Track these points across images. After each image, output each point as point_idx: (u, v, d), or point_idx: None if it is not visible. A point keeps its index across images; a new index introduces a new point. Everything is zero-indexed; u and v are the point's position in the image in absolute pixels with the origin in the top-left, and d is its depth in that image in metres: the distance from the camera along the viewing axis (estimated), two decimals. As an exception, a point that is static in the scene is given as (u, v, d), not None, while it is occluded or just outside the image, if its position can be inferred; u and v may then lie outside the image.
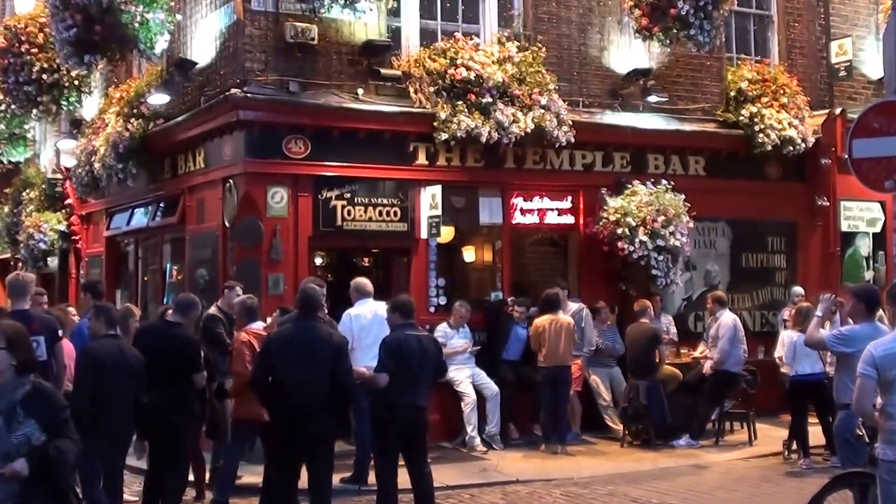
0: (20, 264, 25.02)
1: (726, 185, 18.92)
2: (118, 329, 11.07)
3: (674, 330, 17.98)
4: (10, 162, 26.12)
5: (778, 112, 18.90)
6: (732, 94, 19.26)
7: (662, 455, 15.75)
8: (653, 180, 17.61)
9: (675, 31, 17.25)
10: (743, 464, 15.42)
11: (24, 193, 24.32)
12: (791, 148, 18.91)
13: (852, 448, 10.44)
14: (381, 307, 13.10)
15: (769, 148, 18.75)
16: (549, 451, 15.66)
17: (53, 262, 23.73)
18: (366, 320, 13.54)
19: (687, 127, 18.70)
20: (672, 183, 17.55)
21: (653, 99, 18.30)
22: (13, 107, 21.28)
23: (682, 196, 17.35)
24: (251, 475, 12.72)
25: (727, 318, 16.61)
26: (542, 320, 15.84)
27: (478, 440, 15.82)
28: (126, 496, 12.80)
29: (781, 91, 19.22)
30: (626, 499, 12.90)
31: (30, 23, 19.93)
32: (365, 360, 12.44)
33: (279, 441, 10.69)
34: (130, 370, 10.37)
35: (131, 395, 10.34)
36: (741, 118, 18.91)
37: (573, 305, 16.88)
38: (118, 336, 10.85)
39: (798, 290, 17.76)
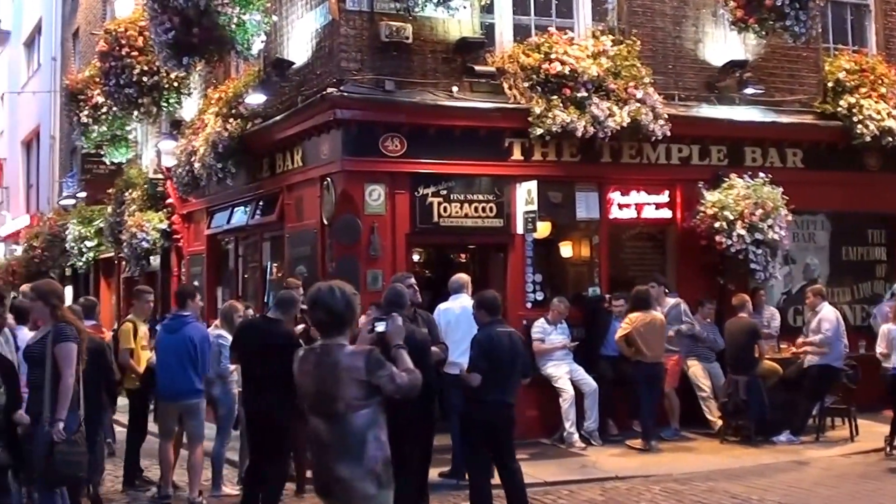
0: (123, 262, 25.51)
1: (825, 178, 18.67)
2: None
3: (776, 324, 17.76)
4: (112, 163, 26.70)
5: (876, 102, 18.62)
6: (830, 84, 19.00)
7: (762, 451, 15.58)
8: (750, 173, 17.42)
9: (770, 22, 17.08)
10: (844, 460, 15.21)
11: (126, 193, 24.76)
12: (890, 139, 18.60)
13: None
14: (470, 302, 13.15)
15: (868, 139, 18.46)
16: (649, 448, 15.61)
17: (156, 260, 24.13)
18: (453, 315, 13.60)
19: (784, 119, 18.50)
20: (770, 176, 17.32)
21: (749, 91, 18.13)
22: (115, 109, 21.82)
23: (780, 189, 17.12)
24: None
25: (829, 311, 16.45)
26: (635, 317, 15.79)
27: (576, 436, 15.81)
28: (227, 489, 13.14)
29: (880, 81, 18.94)
30: (725, 495, 12.78)
31: (130, 27, 20.35)
32: (454, 356, 12.51)
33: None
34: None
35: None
36: (839, 109, 18.64)
37: (670, 301, 16.83)
38: None
39: None
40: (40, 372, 9.44)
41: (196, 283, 21.05)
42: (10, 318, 11.52)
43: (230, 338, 12.58)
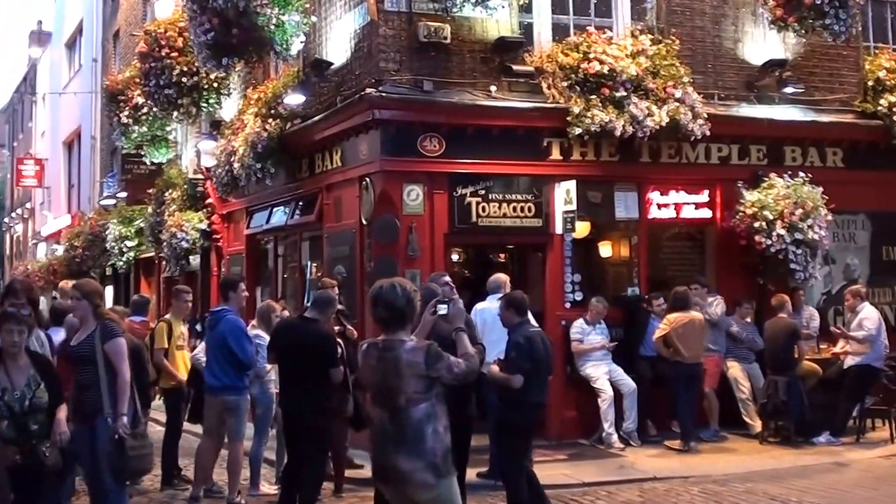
0: (163, 262, 25.63)
1: (865, 177, 18.51)
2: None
3: (815, 324, 17.57)
4: (152, 163, 26.91)
5: (917, 101, 18.49)
6: (870, 83, 18.88)
7: (802, 452, 15.50)
8: (790, 173, 17.28)
9: (810, 20, 16.98)
10: (884, 462, 15.09)
11: (166, 193, 24.88)
12: (931, 138, 18.46)
13: None
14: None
15: (910, 138, 18.34)
16: (688, 449, 15.55)
17: (195, 260, 24.25)
18: (490, 315, 13.48)
19: (824, 118, 18.38)
20: (810, 175, 17.20)
21: (789, 90, 18.04)
22: (155, 109, 21.98)
23: (820, 188, 17.00)
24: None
25: (871, 311, 16.38)
26: (675, 317, 15.73)
27: (615, 437, 15.77)
28: (264, 488, 13.19)
29: (921, 80, 18.79)
30: (764, 497, 12.71)
31: (169, 28, 20.48)
32: (491, 356, 12.48)
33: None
34: None
35: None
36: (880, 108, 18.53)
37: (709, 299, 16.77)
38: None
39: None
40: (91, 370, 9.53)
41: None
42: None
43: (267, 337, 12.60)
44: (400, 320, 7.30)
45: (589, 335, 16.16)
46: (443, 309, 7.82)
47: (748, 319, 17.13)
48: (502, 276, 14.73)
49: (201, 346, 13.51)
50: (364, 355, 7.49)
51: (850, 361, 16.31)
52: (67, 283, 15.36)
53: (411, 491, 7.21)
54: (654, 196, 17.51)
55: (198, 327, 18.50)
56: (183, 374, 14.01)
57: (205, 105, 20.85)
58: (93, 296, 9.95)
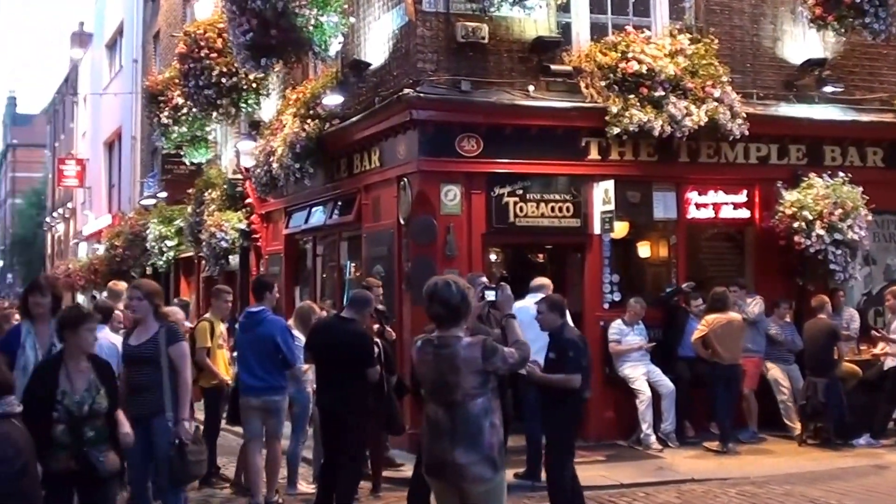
0: (203, 262, 25.75)
1: (906, 177, 18.39)
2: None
3: (855, 326, 17.45)
4: (192, 163, 27.03)
5: (959, 100, 18.34)
6: (911, 82, 18.75)
7: (841, 454, 15.39)
8: (829, 172, 17.17)
9: (849, 19, 16.86)
10: (925, 464, 15.00)
11: (206, 193, 25.01)
12: (972, 137, 18.30)
13: None
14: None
15: (951, 138, 18.18)
16: (726, 451, 15.47)
17: (235, 259, 24.32)
18: (528, 314, 13.32)
19: (864, 117, 18.23)
20: (849, 175, 17.06)
21: (828, 89, 17.92)
22: (194, 110, 22.08)
23: (860, 188, 16.86)
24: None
25: (911, 312, 16.26)
26: (713, 318, 15.66)
27: (653, 438, 15.73)
28: (302, 487, 13.21)
29: (962, 78, 18.63)
30: (803, 499, 12.65)
31: (209, 29, 20.60)
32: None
33: None
34: None
35: None
36: (921, 107, 18.41)
37: (748, 300, 16.70)
38: None
39: None
40: (150, 372, 9.57)
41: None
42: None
43: (303, 338, 12.62)
44: (455, 317, 7.41)
45: (627, 336, 16.12)
46: (490, 295, 7.91)
47: (787, 319, 17.02)
48: (545, 279, 14.75)
49: None
50: (419, 352, 7.61)
51: (890, 363, 16.21)
52: (117, 284, 15.46)
53: (467, 485, 7.33)
54: (693, 196, 17.43)
55: (237, 327, 18.56)
56: (224, 373, 14.04)
57: (244, 105, 20.93)
58: (154, 296, 10.06)
